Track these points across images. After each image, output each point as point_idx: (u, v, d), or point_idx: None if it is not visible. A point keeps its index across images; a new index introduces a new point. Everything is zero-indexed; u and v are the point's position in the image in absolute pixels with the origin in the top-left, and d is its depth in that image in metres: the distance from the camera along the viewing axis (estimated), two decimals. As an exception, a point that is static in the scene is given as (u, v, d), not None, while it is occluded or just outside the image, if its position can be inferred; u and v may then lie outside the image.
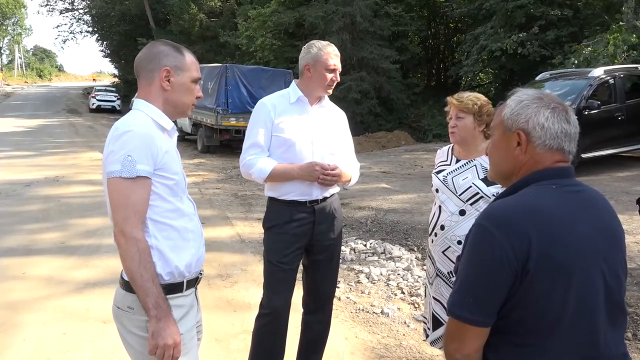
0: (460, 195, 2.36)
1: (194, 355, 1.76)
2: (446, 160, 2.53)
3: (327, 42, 2.61)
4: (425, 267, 4.34)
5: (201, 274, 1.85)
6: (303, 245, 2.59)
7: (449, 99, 2.49)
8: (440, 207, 2.47)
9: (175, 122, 1.83)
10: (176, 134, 1.83)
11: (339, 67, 2.57)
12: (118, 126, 1.64)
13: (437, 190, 2.50)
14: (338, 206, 2.72)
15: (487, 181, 2.30)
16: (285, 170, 2.51)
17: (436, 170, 2.56)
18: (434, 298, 2.52)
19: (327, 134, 2.61)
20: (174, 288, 1.69)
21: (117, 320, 1.73)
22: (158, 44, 1.77)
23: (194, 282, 1.79)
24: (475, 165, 2.38)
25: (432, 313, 2.55)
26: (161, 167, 1.65)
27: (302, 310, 2.80)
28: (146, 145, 1.60)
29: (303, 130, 2.55)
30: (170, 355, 1.58)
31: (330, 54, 2.54)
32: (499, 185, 2.21)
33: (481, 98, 2.42)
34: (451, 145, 2.58)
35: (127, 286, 1.66)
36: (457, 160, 2.47)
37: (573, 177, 1.32)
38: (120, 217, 1.57)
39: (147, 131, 1.64)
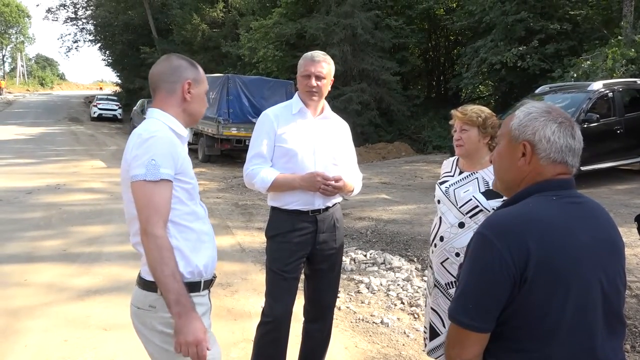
0: (460, 207, 2.36)
1: (216, 350, 1.80)
2: (450, 172, 2.53)
3: (314, 51, 2.63)
4: (425, 278, 4.36)
5: (215, 276, 1.89)
6: (305, 254, 2.61)
7: (453, 112, 2.47)
8: (440, 218, 2.47)
9: None
10: (187, 141, 1.90)
11: (323, 73, 2.54)
12: (141, 133, 1.71)
13: (438, 202, 2.50)
14: (340, 216, 2.74)
15: (487, 195, 2.30)
16: (287, 180, 2.54)
17: (440, 181, 2.56)
18: (432, 308, 2.53)
19: (329, 145, 2.64)
20: (192, 287, 1.73)
21: (137, 320, 1.76)
22: (174, 58, 1.87)
23: (209, 284, 1.84)
24: (477, 178, 2.37)
25: (430, 323, 2.56)
26: (181, 172, 1.73)
27: (303, 319, 2.82)
28: (169, 151, 1.69)
29: (305, 140, 2.58)
30: (195, 353, 1.59)
31: (308, 60, 2.56)
32: (499, 199, 2.23)
33: (485, 110, 2.41)
34: (457, 156, 2.57)
35: (146, 285, 1.71)
36: (461, 172, 2.47)
37: (574, 189, 1.34)
38: (144, 217, 1.63)
39: (169, 137, 1.72)
